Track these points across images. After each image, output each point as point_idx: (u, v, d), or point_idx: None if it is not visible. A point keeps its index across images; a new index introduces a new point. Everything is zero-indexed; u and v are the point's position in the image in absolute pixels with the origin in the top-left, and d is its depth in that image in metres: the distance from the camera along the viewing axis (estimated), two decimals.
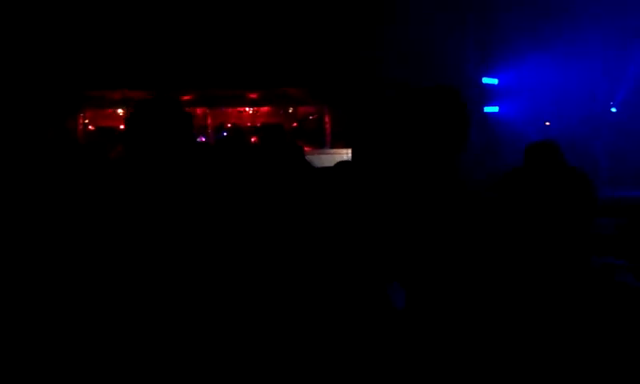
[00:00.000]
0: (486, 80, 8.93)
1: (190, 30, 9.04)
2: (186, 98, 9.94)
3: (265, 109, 11.31)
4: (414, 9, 8.29)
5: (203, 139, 10.32)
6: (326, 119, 10.94)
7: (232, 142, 4.55)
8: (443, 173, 1.93)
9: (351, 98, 9.01)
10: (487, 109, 9.12)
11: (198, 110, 10.54)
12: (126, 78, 9.12)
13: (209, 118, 11.05)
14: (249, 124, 11.05)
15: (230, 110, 11.26)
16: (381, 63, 8.67)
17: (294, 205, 2.53)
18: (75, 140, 9.80)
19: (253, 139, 8.85)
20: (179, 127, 2.05)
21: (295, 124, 11.30)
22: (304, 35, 9.09)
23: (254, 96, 10.84)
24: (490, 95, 9.14)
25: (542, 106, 9.31)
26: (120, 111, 10.45)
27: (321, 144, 10.68)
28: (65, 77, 8.93)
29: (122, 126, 9.75)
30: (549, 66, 9.00)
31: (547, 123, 9.46)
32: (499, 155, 7.88)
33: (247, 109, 11.29)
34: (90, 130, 10.68)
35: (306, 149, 11.45)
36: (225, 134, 10.64)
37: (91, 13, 8.80)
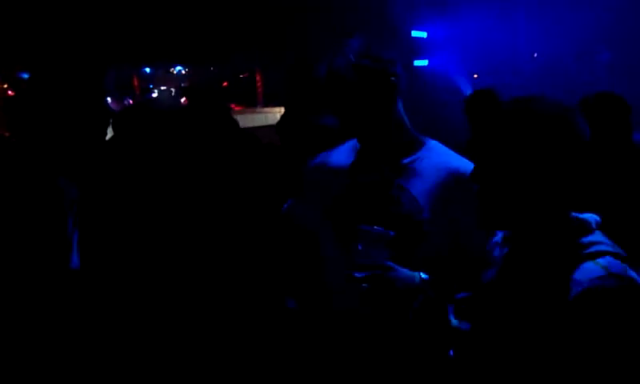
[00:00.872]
0: (414, 33, 8.96)
1: None
2: None
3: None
4: None
5: (131, 102, 10.01)
6: (258, 78, 10.81)
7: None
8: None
9: (281, 58, 8.91)
10: (417, 62, 9.17)
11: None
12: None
13: (135, 80, 10.74)
14: (182, 84, 10.82)
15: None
16: (307, 20, 8.58)
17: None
18: None
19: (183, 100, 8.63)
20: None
21: (225, 83, 11.12)
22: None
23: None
24: (419, 49, 9.18)
25: (469, 59, 9.44)
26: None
27: (253, 103, 10.56)
28: None
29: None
30: (475, 18, 9.12)
31: (475, 76, 9.63)
32: (431, 107, 7.99)
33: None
34: (9, 95, 10.19)
35: (238, 108, 11.29)
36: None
37: None
